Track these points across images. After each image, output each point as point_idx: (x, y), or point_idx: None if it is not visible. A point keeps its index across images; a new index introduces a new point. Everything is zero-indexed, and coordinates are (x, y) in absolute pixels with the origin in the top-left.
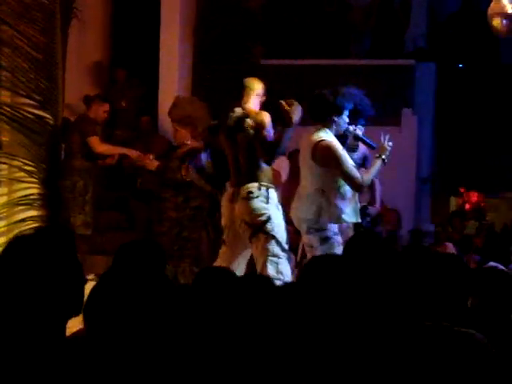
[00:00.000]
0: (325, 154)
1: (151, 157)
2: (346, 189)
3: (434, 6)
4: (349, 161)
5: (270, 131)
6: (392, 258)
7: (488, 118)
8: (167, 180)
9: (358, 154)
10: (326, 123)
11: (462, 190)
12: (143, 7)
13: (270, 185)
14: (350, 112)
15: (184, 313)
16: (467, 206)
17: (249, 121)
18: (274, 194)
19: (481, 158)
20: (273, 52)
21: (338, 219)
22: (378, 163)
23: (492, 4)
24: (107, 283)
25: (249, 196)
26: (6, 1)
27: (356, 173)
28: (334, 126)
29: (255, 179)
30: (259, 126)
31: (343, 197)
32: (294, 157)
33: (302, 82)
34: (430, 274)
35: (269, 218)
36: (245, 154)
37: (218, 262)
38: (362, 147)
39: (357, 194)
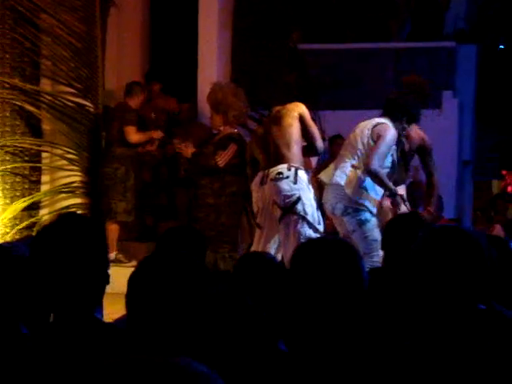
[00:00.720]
0: (380, 130)
1: (187, 144)
2: (385, 170)
3: None
4: (385, 153)
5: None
6: (434, 240)
7: None
8: (202, 167)
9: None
10: (394, 119)
11: (504, 172)
12: None
13: (300, 166)
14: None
15: (223, 299)
16: (510, 189)
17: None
18: (304, 175)
19: None
20: (311, 36)
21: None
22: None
23: None
24: (147, 269)
25: (277, 177)
26: None
27: (379, 160)
28: (397, 125)
29: (285, 161)
30: (302, 115)
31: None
32: (335, 142)
33: (342, 66)
34: (477, 256)
35: (299, 199)
36: (276, 137)
37: (254, 247)
38: None
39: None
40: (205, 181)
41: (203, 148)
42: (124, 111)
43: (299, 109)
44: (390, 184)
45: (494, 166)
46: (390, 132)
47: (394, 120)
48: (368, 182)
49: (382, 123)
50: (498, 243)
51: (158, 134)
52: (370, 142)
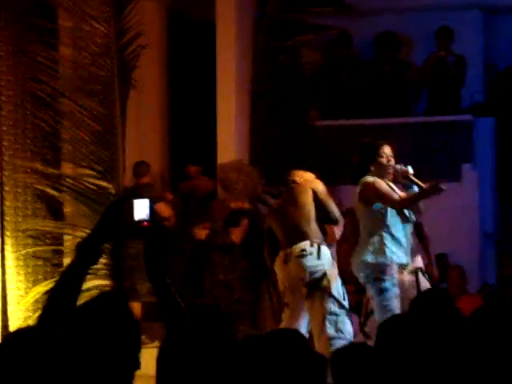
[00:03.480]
0: (366, 190)
1: (199, 227)
2: (396, 228)
3: (489, 60)
4: (391, 191)
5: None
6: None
7: None
8: (216, 246)
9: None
10: (374, 168)
11: None
12: (199, 76)
13: (322, 241)
14: None
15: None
16: None
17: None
18: (326, 250)
19: None
20: (328, 113)
21: (388, 259)
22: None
23: None
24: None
25: (302, 254)
26: (65, 75)
27: (395, 195)
28: (376, 172)
29: (306, 237)
30: (315, 190)
31: (393, 237)
32: (348, 214)
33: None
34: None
35: (324, 275)
36: (294, 216)
37: (283, 325)
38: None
39: (408, 235)
40: (216, 257)
41: (215, 226)
42: (149, 190)
43: (313, 184)
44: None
45: None
46: (375, 184)
47: (370, 170)
48: (387, 246)
49: (363, 183)
50: None
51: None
52: (361, 205)
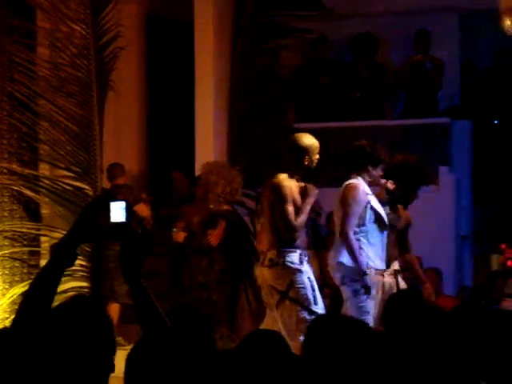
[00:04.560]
0: (345, 194)
1: (175, 229)
2: (373, 235)
3: (466, 63)
4: (371, 207)
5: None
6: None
7: None
8: (195, 248)
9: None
10: (360, 172)
11: (503, 246)
12: (177, 78)
13: (290, 249)
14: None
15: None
16: (509, 263)
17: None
18: (294, 258)
19: None
20: (306, 115)
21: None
22: None
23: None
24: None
25: (270, 263)
26: (43, 76)
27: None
28: (367, 176)
29: (275, 245)
30: (277, 198)
31: (369, 242)
32: (330, 218)
33: (337, 144)
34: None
35: (291, 283)
36: (266, 220)
37: (264, 324)
38: None
39: (384, 242)
40: (195, 259)
41: (194, 229)
42: (127, 191)
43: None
44: (360, 258)
45: (493, 240)
46: (353, 191)
47: (359, 172)
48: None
49: (346, 185)
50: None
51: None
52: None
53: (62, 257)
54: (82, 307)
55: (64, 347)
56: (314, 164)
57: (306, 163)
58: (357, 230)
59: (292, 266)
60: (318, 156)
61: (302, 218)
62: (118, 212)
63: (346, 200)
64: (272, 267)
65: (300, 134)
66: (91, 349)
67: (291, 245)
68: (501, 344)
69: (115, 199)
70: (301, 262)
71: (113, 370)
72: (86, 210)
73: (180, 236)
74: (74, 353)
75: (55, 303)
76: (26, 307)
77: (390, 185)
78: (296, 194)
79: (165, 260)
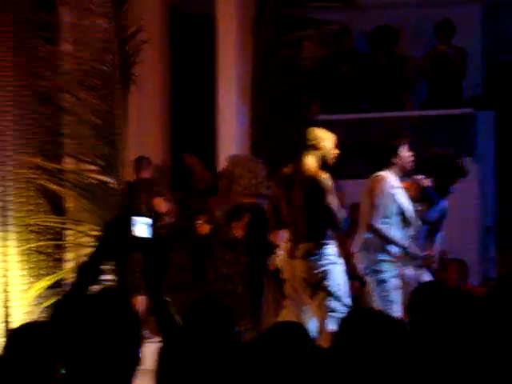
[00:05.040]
0: (372, 186)
1: (200, 222)
2: (396, 228)
3: (489, 53)
4: (396, 200)
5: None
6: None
7: None
8: (220, 241)
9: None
10: (387, 166)
11: None
12: (200, 70)
13: (326, 241)
14: None
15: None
16: None
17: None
18: (330, 250)
19: None
20: (329, 107)
21: (385, 250)
22: None
23: None
24: (176, 343)
25: (305, 255)
26: (66, 70)
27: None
28: (397, 167)
29: (311, 238)
30: (318, 189)
31: (391, 229)
32: (353, 210)
33: (362, 135)
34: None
35: (326, 275)
36: (301, 212)
37: (282, 316)
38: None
39: (407, 237)
40: (219, 252)
41: (218, 221)
42: (149, 185)
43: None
44: (396, 238)
45: None
46: (381, 183)
47: (386, 167)
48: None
49: (373, 176)
50: None
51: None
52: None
53: (87, 275)
54: (109, 300)
55: (91, 340)
56: (333, 156)
57: (322, 152)
58: (381, 221)
59: (329, 257)
60: (336, 150)
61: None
62: (141, 227)
63: (373, 191)
64: (307, 259)
65: (313, 127)
66: (118, 342)
67: (328, 237)
68: None
69: (138, 214)
70: (336, 254)
71: (139, 363)
72: (110, 228)
73: (205, 228)
74: (101, 346)
75: None
76: (54, 321)
77: (425, 181)
78: None
79: (184, 253)
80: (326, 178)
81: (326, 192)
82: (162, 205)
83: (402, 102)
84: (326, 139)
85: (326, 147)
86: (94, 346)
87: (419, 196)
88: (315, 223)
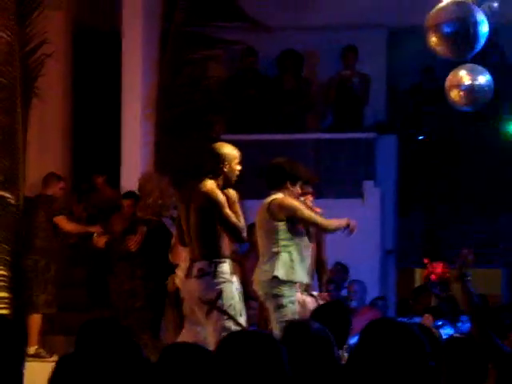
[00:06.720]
0: (280, 206)
1: (99, 234)
2: (297, 248)
3: (392, 79)
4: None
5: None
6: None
7: (450, 189)
8: (114, 253)
9: None
10: (281, 189)
11: (426, 260)
12: (104, 86)
13: (221, 259)
14: None
15: None
16: (433, 277)
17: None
18: (224, 268)
19: (444, 229)
20: (233, 127)
21: (289, 276)
22: None
23: (449, 76)
24: (68, 366)
25: (199, 274)
26: None
27: (316, 219)
28: (288, 193)
29: (204, 256)
30: (213, 205)
31: (301, 256)
32: (251, 230)
33: (263, 156)
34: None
35: (220, 293)
36: (195, 230)
37: (183, 336)
38: None
39: (308, 254)
40: (118, 267)
41: (116, 235)
42: (48, 202)
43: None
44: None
45: (417, 254)
46: (287, 199)
47: (278, 188)
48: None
49: (272, 200)
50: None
51: (97, 229)
52: (274, 222)
53: None
54: None
55: None
56: (235, 173)
57: (226, 170)
58: (288, 243)
59: (223, 276)
60: (239, 167)
61: (242, 220)
62: None
63: (288, 209)
64: (201, 277)
65: (220, 143)
66: None
67: (221, 255)
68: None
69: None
70: (231, 272)
71: (21, 382)
72: None
73: (101, 241)
74: None
75: None
76: None
77: (308, 201)
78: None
79: (80, 269)
80: (218, 191)
81: (219, 205)
82: (65, 224)
83: (305, 125)
84: (231, 156)
85: (230, 165)
86: None
87: None
88: (208, 241)
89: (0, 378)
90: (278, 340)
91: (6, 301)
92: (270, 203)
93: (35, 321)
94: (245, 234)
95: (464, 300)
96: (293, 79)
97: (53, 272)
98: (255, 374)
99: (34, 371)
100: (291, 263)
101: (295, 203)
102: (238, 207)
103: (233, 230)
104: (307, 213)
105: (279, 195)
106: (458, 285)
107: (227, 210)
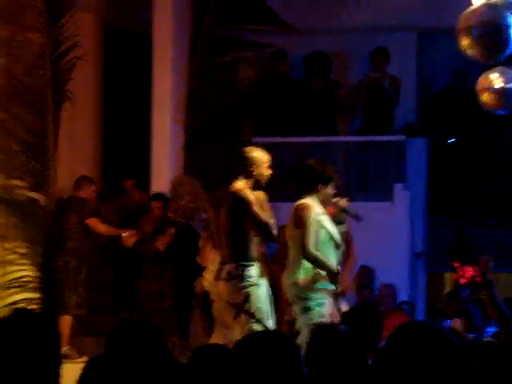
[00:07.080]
0: (298, 214)
1: (125, 234)
2: (328, 255)
3: (423, 82)
4: (324, 226)
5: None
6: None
7: (479, 192)
8: (141, 253)
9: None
10: (312, 192)
11: (456, 264)
12: (134, 90)
13: (249, 262)
14: None
15: None
16: (462, 281)
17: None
18: (252, 271)
19: (474, 231)
20: (262, 129)
21: (316, 281)
22: None
23: (480, 79)
24: (98, 367)
25: (227, 277)
26: None
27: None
28: (320, 196)
29: (233, 259)
30: (242, 205)
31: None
32: (281, 232)
33: (293, 159)
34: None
35: (247, 297)
36: (225, 232)
37: (213, 338)
38: None
39: (337, 261)
40: (147, 269)
41: (145, 235)
42: (81, 204)
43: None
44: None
45: (447, 258)
46: (306, 211)
47: (309, 191)
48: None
49: (297, 205)
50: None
51: (129, 232)
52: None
53: None
54: (23, 321)
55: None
56: (265, 177)
57: (255, 174)
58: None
59: (250, 279)
60: (269, 171)
61: (272, 219)
62: None
63: (301, 220)
64: (229, 281)
65: (251, 147)
66: (33, 362)
67: (250, 257)
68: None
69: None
70: (259, 276)
71: (57, 382)
72: None
73: (130, 240)
74: (15, 365)
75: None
76: None
77: (343, 202)
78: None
79: (108, 271)
80: (248, 192)
81: (249, 203)
82: (98, 226)
83: (334, 128)
84: (260, 160)
85: (260, 168)
86: (8, 366)
87: (340, 218)
88: (238, 243)
89: (38, 379)
90: (294, 340)
91: (37, 301)
92: (294, 209)
93: (66, 322)
94: (275, 232)
95: (491, 306)
96: (321, 81)
97: (83, 275)
98: (271, 374)
99: (64, 372)
100: (313, 269)
101: (305, 219)
102: (267, 206)
103: (263, 227)
104: (302, 233)
105: (304, 201)
106: (485, 292)
107: (256, 208)
